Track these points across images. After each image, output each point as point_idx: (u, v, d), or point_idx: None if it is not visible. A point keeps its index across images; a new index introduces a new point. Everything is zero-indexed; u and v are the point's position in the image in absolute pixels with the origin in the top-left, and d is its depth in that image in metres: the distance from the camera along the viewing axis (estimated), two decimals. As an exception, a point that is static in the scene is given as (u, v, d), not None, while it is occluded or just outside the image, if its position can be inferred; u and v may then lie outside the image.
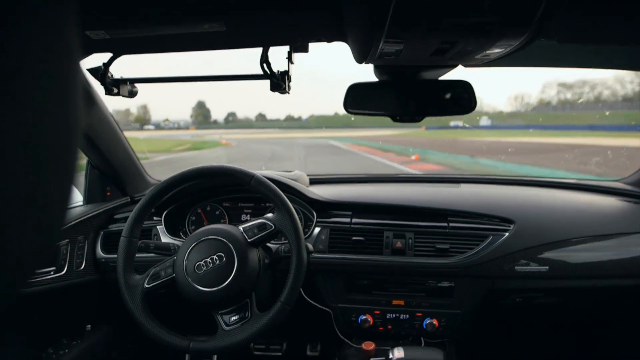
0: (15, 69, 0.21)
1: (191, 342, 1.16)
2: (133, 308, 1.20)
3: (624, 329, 1.72)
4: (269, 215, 1.25)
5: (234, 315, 1.18)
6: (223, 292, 1.15)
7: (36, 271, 1.24)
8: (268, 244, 1.44)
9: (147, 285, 1.22)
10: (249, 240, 1.19)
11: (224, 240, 1.18)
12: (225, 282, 1.15)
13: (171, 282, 1.21)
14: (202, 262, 1.17)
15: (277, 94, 1.07)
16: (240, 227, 1.22)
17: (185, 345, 1.16)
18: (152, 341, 1.18)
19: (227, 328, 1.17)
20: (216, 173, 1.28)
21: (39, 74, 0.23)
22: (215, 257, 1.17)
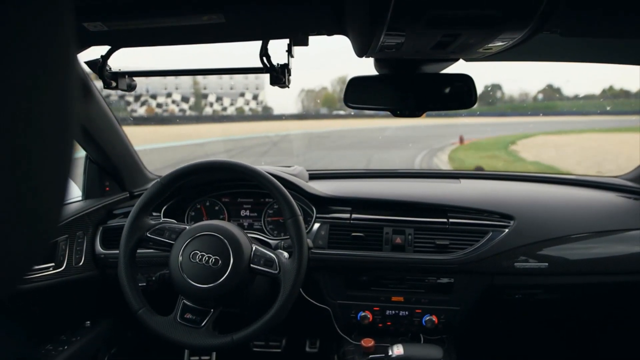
0: (9, 60, 0.21)
1: (142, 309, 1.17)
2: (123, 247, 1.21)
3: (623, 325, 1.73)
4: (285, 255, 1.21)
5: (191, 314, 1.18)
6: (198, 292, 1.15)
7: (33, 267, 1.23)
8: (268, 240, 1.44)
9: (148, 234, 1.22)
10: (251, 264, 1.17)
11: (230, 250, 1.16)
12: (206, 284, 1.14)
13: (168, 249, 1.21)
14: (198, 254, 1.16)
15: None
16: (254, 246, 1.20)
17: (136, 308, 1.17)
18: (152, 337, 1.18)
19: (178, 319, 1.17)
20: (266, 187, 1.24)
21: (34, 66, 0.23)
22: (213, 258, 1.16)
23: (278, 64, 1.02)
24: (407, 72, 1.06)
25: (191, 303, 1.18)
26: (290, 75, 1.04)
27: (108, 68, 1.08)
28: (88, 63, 1.07)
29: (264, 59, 1.00)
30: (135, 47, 1.04)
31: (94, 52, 1.04)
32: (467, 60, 0.98)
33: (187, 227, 1.23)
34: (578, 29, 0.84)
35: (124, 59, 1.11)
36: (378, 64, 1.04)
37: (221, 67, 1.11)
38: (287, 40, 0.98)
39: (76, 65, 0.27)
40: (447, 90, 1.06)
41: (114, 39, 0.98)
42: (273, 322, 1.14)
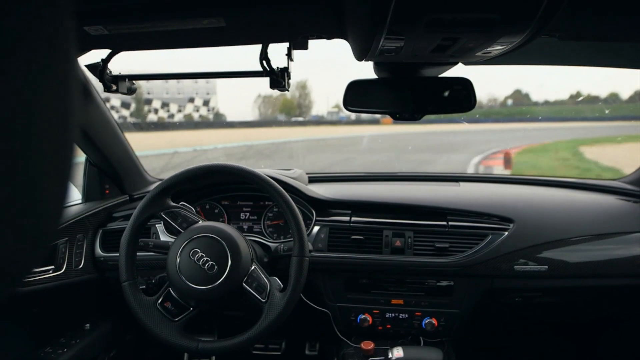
0: (9, 63, 0.21)
1: (129, 281, 1.22)
2: (135, 217, 1.25)
3: (623, 328, 1.72)
4: (279, 285, 1.21)
5: (171, 305, 1.20)
6: (185, 288, 1.16)
7: (32, 270, 1.23)
8: (268, 243, 1.44)
9: (162, 214, 1.26)
10: (243, 283, 1.17)
11: (229, 261, 1.16)
12: (194, 284, 1.15)
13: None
14: (199, 253, 1.17)
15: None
16: (254, 266, 1.20)
17: (124, 278, 1.22)
18: (152, 340, 1.18)
19: (157, 304, 1.20)
20: (287, 216, 1.24)
21: (34, 69, 0.23)
22: (210, 263, 1.16)
23: (278, 68, 1.02)
24: (407, 76, 1.06)
25: (175, 294, 1.20)
26: (289, 78, 1.04)
27: (108, 71, 1.08)
28: (88, 66, 1.07)
29: (264, 62, 1.01)
30: (135, 51, 1.04)
31: (95, 55, 1.05)
32: (466, 64, 0.98)
33: (201, 220, 1.25)
34: (577, 32, 0.84)
35: (123, 62, 1.11)
36: (377, 68, 1.04)
37: (221, 70, 1.11)
38: (287, 44, 0.98)
39: (77, 68, 0.27)
40: (446, 93, 1.06)
41: (115, 42, 0.98)
42: (243, 345, 1.15)
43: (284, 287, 1.20)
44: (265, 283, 1.18)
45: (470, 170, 8.89)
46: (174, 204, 1.29)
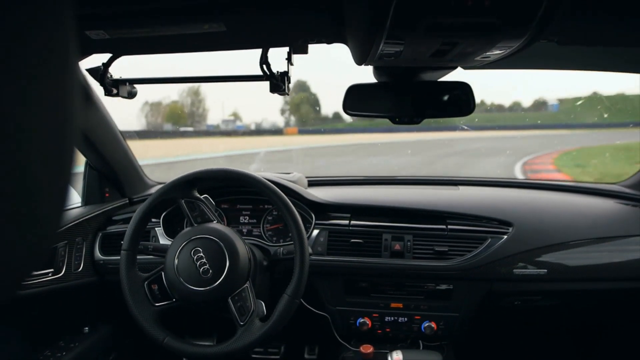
0: (10, 67, 0.21)
1: (129, 251, 1.24)
2: (159, 194, 1.26)
3: (622, 331, 1.72)
4: (261, 315, 1.19)
5: (158, 288, 1.22)
6: (175, 280, 1.16)
7: (31, 273, 1.23)
8: (267, 247, 1.44)
9: (183, 200, 1.26)
10: (230, 296, 1.16)
11: (225, 273, 1.16)
12: (185, 280, 1.16)
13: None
14: (200, 252, 1.17)
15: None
16: (247, 285, 1.19)
17: (125, 246, 1.25)
18: (151, 343, 1.18)
19: (145, 283, 1.23)
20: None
21: (35, 73, 0.23)
22: (206, 267, 1.16)
23: (278, 72, 1.03)
24: (406, 80, 1.06)
25: (165, 282, 1.21)
26: (289, 82, 1.04)
27: (109, 75, 1.09)
28: (89, 70, 1.08)
29: (264, 66, 1.01)
30: (136, 55, 1.05)
31: (95, 59, 1.05)
32: (465, 68, 0.99)
33: (215, 221, 1.26)
34: (575, 37, 0.84)
35: (123, 66, 1.11)
36: (377, 72, 1.05)
37: (221, 74, 1.12)
38: (287, 49, 0.99)
39: (77, 72, 0.27)
40: (446, 97, 1.07)
41: (116, 46, 0.99)
42: (206, 358, 1.16)
43: (267, 315, 1.19)
44: (249, 306, 1.17)
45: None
46: (198, 195, 1.29)
